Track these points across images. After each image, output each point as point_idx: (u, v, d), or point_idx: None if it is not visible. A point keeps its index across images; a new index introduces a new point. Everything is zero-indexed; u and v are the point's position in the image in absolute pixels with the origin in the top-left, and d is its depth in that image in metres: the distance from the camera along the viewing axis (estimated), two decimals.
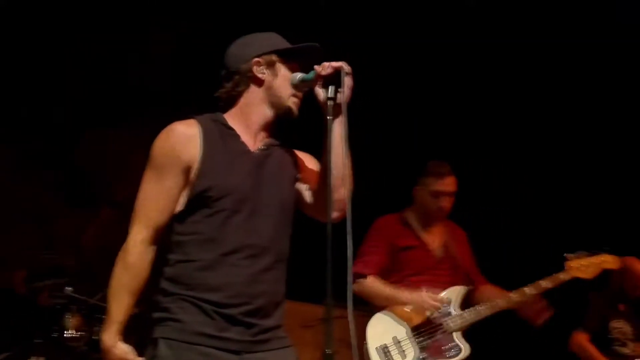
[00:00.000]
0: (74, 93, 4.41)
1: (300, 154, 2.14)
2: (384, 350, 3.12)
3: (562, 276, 3.23)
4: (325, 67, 1.87)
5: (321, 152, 1.92)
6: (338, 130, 1.87)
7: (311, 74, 1.93)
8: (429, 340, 3.17)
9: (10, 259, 4.07)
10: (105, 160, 4.52)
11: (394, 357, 3.11)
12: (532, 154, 4.85)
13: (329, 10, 4.27)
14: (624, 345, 4.07)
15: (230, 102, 2.02)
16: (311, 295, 3.41)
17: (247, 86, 1.99)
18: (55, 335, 3.47)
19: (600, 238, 3.59)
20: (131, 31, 4.25)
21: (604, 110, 4.66)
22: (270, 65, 1.99)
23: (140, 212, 1.90)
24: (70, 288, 3.39)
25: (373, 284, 3.23)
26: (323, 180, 1.91)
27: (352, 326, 1.70)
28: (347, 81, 1.85)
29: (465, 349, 3.17)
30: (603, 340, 4.06)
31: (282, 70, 1.99)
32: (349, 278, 1.73)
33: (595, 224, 4.50)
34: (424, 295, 3.16)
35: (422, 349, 3.15)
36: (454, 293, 3.27)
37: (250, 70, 1.98)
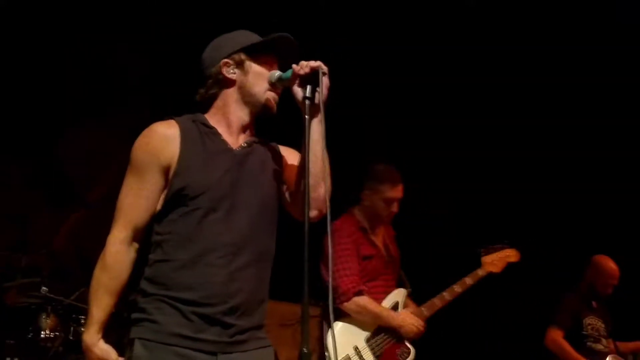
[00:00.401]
0: (53, 90, 4.35)
1: (285, 150, 2.14)
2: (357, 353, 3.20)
3: (480, 272, 3.46)
4: (303, 67, 1.87)
5: (300, 151, 1.92)
6: (316, 129, 1.87)
7: (289, 73, 1.93)
8: (384, 346, 3.27)
9: None
10: (84, 158, 4.48)
11: None
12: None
13: (329, 10, 4.26)
14: (597, 341, 4.14)
15: (207, 104, 2.04)
16: (289, 295, 3.44)
17: (220, 88, 2.01)
18: (30, 335, 3.42)
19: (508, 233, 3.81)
20: (110, 29, 4.21)
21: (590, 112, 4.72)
22: (240, 64, 2.00)
23: (121, 213, 1.90)
24: (45, 288, 3.35)
25: (368, 302, 3.25)
26: (301, 179, 1.90)
27: (331, 332, 1.70)
28: (325, 81, 1.85)
29: (412, 350, 3.28)
30: (576, 337, 4.12)
31: (252, 67, 2.00)
32: (331, 276, 1.75)
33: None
34: (413, 321, 3.26)
35: (378, 357, 3.25)
36: (399, 296, 3.37)
37: (220, 73, 2.00)
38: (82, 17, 4.15)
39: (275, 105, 2.02)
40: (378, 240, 3.46)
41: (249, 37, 2.04)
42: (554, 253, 4.77)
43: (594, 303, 4.23)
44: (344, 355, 3.16)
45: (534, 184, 4.88)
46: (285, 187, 2.06)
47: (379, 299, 3.32)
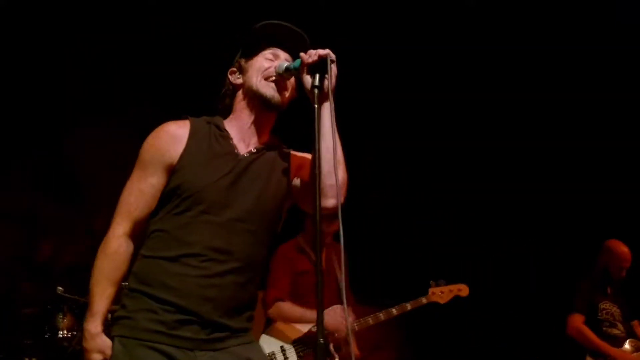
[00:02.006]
0: (58, 88, 4.37)
1: (301, 155, 2.11)
2: (271, 356, 3.48)
3: (424, 300, 3.72)
4: (311, 55, 1.86)
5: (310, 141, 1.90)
6: (326, 117, 1.86)
7: (297, 62, 1.92)
8: (307, 350, 3.49)
9: None
10: (92, 156, 4.49)
11: None
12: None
13: (328, 9, 4.24)
14: (613, 326, 4.12)
15: (227, 113, 2.07)
16: None
17: (233, 97, 2.06)
18: (47, 335, 3.45)
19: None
20: (113, 28, 4.21)
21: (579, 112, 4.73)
22: (240, 68, 2.06)
23: (122, 206, 1.92)
24: (61, 288, 3.37)
25: (290, 307, 3.54)
26: (313, 169, 1.88)
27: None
28: (333, 69, 1.84)
29: (336, 358, 3.55)
30: (592, 322, 4.10)
31: (249, 65, 2.03)
32: (343, 263, 1.74)
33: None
34: (339, 318, 3.46)
35: (300, 357, 3.47)
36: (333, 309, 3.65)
37: (230, 83, 2.07)
38: (86, 17, 4.15)
39: (273, 93, 1.98)
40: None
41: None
42: (565, 242, 4.77)
43: (608, 288, 4.20)
44: (270, 351, 3.44)
45: (544, 174, 4.88)
46: (298, 189, 2.03)
47: (311, 309, 3.52)
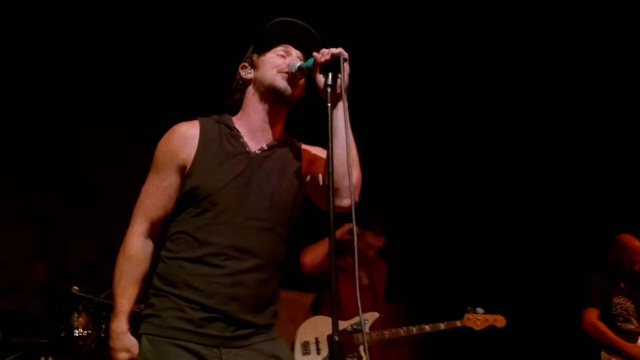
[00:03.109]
0: (72, 92, 4.40)
1: (313, 149, 2.11)
2: (304, 345, 3.70)
3: (458, 323, 3.83)
4: (324, 54, 1.86)
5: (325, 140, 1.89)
6: (340, 117, 1.86)
7: (310, 62, 1.92)
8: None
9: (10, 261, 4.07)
10: (103, 158, 4.53)
11: (310, 352, 3.70)
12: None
13: (328, 9, 4.23)
14: (627, 321, 4.09)
15: (236, 109, 2.07)
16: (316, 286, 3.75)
17: (243, 92, 2.06)
18: (63, 334, 3.48)
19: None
20: (124, 33, 4.23)
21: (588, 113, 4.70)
22: (252, 64, 2.05)
23: (140, 208, 1.96)
24: (76, 287, 3.40)
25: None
26: (327, 168, 1.86)
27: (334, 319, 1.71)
28: (346, 67, 1.84)
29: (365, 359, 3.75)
30: (606, 317, 4.08)
31: (262, 60, 2.03)
32: (355, 259, 1.74)
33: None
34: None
35: None
36: (370, 316, 3.88)
37: (240, 77, 2.06)
38: (102, 25, 4.17)
39: (286, 85, 1.98)
40: (360, 271, 3.91)
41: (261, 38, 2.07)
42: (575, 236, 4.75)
43: (621, 283, 4.18)
44: (304, 340, 3.67)
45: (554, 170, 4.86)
46: (311, 185, 2.05)
47: (346, 310, 3.70)
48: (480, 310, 3.86)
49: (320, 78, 1.88)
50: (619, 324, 4.06)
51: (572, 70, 4.51)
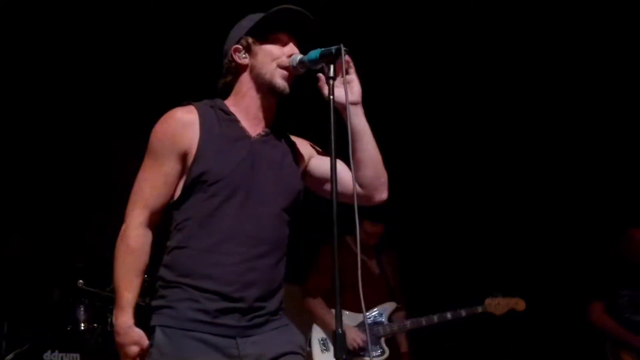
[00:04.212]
0: (101, 96, 4.44)
1: (303, 141, 2.13)
2: (323, 342, 3.74)
3: (479, 309, 3.80)
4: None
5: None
6: (354, 114, 1.90)
7: (310, 55, 1.91)
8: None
9: None
10: (107, 153, 4.55)
11: (329, 348, 3.74)
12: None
13: (328, 8, 4.19)
14: (636, 313, 4.06)
15: (227, 91, 2.04)
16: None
17: (235, 75, 2.02)
18: (69, 328, 3.49)
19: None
20: (148, 43, 4.23)
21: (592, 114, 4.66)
22: (248, 48, 2.00)
23: (138, 196, 1.90)
24: (82, 281, 3.41)
25: (318, 305, 3.80)
26: (359, 165, 1.94)
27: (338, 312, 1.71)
28: (347, 59, 1.85)
29: (386, 352, 3.79)
30: (613, 309, 4.06)
31: (260, 48, 1.99)
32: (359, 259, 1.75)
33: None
34: (354, 335, 3.66)
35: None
36: (386, 307, 3.88)
37: (233, 60, 2.01)
38: (125, 32, 4.18)
39: (285, 85, 1.97)
40: (368, 258, 3.95)
41: (255, 19, 2.02)
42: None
43: (628, 275, 4.15)
44: (322, 337, 3.74)
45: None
46: (314, 178, 2.06)
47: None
48: (499, 294, 3.82)
49: (324, 88, 1.89)
50: (626, 315, 4.03)
51: (589, 59, 4.42)
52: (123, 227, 1.90)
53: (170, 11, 4.05)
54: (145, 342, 1.85)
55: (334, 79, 1.82)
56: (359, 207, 1.79)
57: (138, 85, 4.44)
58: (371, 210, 3.82)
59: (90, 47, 4.22)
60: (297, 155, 2.06)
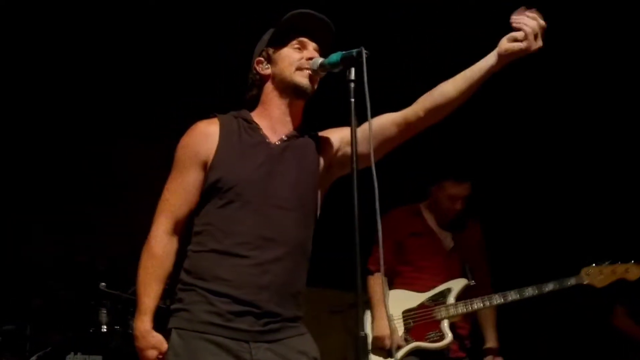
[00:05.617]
0: (105, 101, 4.47)
1: (329, 132, 2.15)
2: (391, 317, 3.37)
3: (572, 281, 3.13)
4: None
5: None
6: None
7: (331, 58, 1.93)
8: (413, 324, 3.35)
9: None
10: (131, 156, 4.59)
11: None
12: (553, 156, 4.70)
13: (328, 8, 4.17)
14: None
15: (254, 104, 2.11)
16: (338, 282, 3.50)
17: (260, 87, 2.09)
18: (91, 330, 3.53)
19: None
20: (155, 38, 4.26)
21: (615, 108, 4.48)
22: (269, 58, 2.07)
23: (163, 205, 2.00)
24: (103, 283, 3.45)
25: (375, 283, 3.41)
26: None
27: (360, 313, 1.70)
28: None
29: (448, 337, 3.29)
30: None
31: (280, 55, 2.05)
32: (381, 252, 1.73)
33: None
34: (384, 335, 3.27)
35: (407, 330, 3.35)
36: (455, 284, 3.38)
37: (257, 72, 2.09)
38: (133, 34, 4.21)
39: (308, 83, 2.01)
40: (441, 230, 3.55)
41: (273, 31, 2.10)
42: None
43: None
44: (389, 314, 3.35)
45: None
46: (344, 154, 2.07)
47: (426, 280, 3.40)
48: (604, 262, 3.10)
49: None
50: None
51: None
52: (149, 235, 1.97)
53: (172, 11, 4.07)
54: (164, 346, 1.90)
55: (354, 82, 1.83)
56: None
57: (143, 85, 4.47)
58: (455, 168, 3.50)
59: (97, 51, 4.25)
60: (323, 153, 2.09)
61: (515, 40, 1.87)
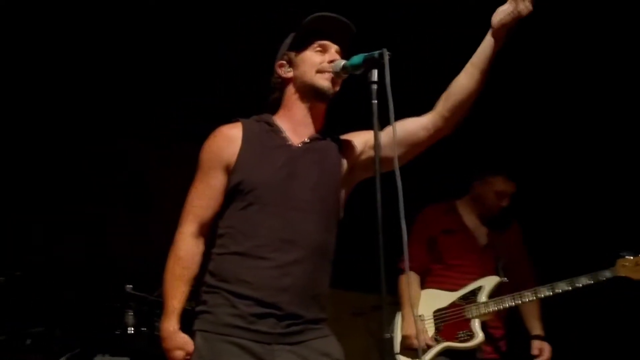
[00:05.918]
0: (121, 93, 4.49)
1: (352, 135, 2.16)
2: (421, 317, 3.30)
3: (607, 274, 3.01)
4: None
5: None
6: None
7: (353, 60, 1.94)
8: (443, 323, 3.31)
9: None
10: (157, 160, 4.61)
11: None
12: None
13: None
14: None
15: (276, 107, 2.13)
16: (361, 284, 3.54)
17: (282, 90, 2.12)
18: (118, 332, 3.57)
19: None
20: (178, 38, 4.28)
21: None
22: (290, 62, 2.09)
23: (188, 209, 2.03)
24: (130, 285, 3.49)
25: (403, 282, 3.32)
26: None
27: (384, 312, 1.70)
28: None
29: (478, 337, 3.22)
30: None
31: (301, 59, 2.07)
32: (406, 252, 1.73)
33: None
34: (411, 335, 3.21)
35: (438, 330, 3.30)
36: (487, 281, 3.31)
37: (279, 76, 2.11)
38: (147, 28, 4.23)
39: (329, 85, 2.03)
40: (477, 227, 3.49)
41: (294, 35, 2.12)
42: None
43: None
44: (419, 313, 3.29)
45: None
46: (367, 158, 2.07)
47: (457, 278, 3.36)
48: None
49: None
50: None
51: None
52: (175, 237, 2.01)
53: (172, 11, 4.06)
54: (191, 346, 1.92)
55: (377, 83, 1.84)
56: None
57: (143, 85, 4.49)
58: (504, 164, 3.43)
59: (97, 50, 4.25)
60: (346, 155, 2.10)
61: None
